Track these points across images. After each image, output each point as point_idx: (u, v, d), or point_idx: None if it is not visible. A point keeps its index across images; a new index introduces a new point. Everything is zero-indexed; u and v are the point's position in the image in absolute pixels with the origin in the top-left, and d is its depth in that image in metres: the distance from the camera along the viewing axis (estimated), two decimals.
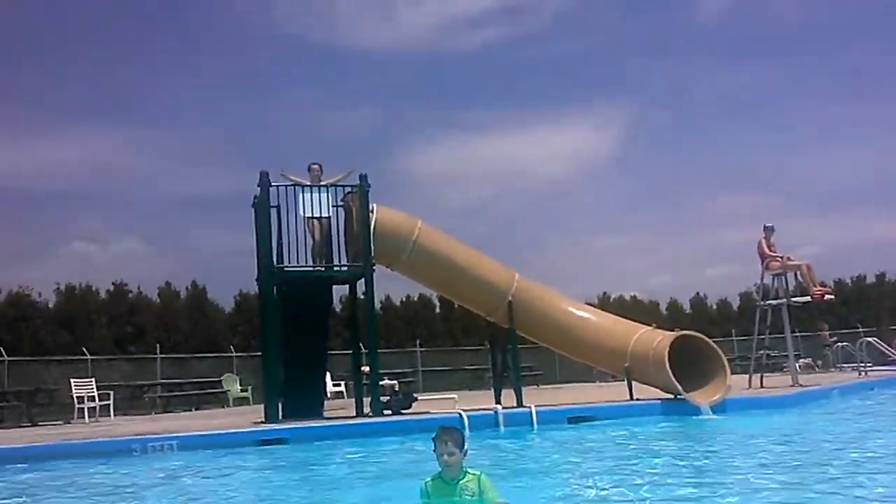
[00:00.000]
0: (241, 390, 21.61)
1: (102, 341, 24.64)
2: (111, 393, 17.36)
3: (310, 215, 11.45)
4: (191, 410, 20.28)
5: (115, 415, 16.97)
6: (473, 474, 4.38)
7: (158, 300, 27.67)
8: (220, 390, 21.84)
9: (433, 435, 4.37)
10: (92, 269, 38.79)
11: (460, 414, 10.23)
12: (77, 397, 16.71)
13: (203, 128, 40.72)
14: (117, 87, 38.50)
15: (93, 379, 17.82)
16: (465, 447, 4.38)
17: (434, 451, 4.35)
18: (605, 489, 5.66)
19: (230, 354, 23.83)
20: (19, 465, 8.40)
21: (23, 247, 36.12)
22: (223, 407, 20.81)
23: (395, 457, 8.44)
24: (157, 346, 22.96)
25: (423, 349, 26.84)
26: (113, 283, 27.17)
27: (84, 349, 21.17)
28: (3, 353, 19.31)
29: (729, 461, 7.11)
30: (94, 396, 16.93)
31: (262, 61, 41.88)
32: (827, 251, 38.48)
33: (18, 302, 24.88)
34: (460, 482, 4.33)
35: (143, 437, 9.60)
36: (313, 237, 11.59)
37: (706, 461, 7.22)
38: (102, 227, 38.80)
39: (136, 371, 22.54)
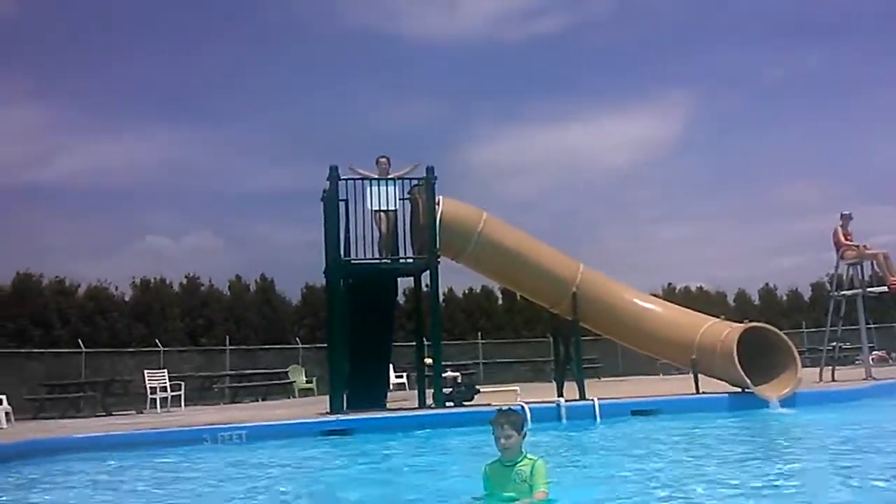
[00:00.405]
0: (307, 381, 22.03)
1: (175, 333, 25.45)
2: (182, 384, 17.90)
3: (377, 208, 11.56)
4: (258, 401, 20.77)
5: (185, 405, 17.48)
6: (530, 459, 4.33)
7: (229, 293, 28.39)
8: (286, 381, 22.30)
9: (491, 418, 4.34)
10: (165, 262, 40.11)
11: (522, 406, 10.19)
12: (150, 388, 17.27)
13: (269, 123, 41.62)
14: (186, 84, 39.63)
15: (165, 370, 18.42)
16: (525, 430, 4.34)
17: (492, 434, 4.32)
18: (669, 484, 5.58)
19: (296, 346, 24.30)
20: (96, 453, 8.71)
21: (99, 242, 37.54)
22: (289, 398, 21.23)
23: (457, 448, 8.49)
24: (227, 337, 23.58)
25: (484, 341, 26.88)
26: (186, 277, 28.03)
27: (157, 341, 21.87)
28: (82, 344, 20.09)
29: (798, 457, 6.93)
30: (166, 387, 17.48)
31: (325, 54, 42.50)
32: None
33: (97, 296, 25.87)
34: (517, 465, 4.30)
35: (213, 427, 9.85)
36: (380, 230, 11.71)
37: (774, 457, 7.04)
38: (175, 223, 40.07)
39: (206, 362, 23.22)
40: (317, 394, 20.70)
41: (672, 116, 43.17)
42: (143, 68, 38.54)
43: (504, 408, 4.46)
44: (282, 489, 6.11)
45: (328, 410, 11.30)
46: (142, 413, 16.47)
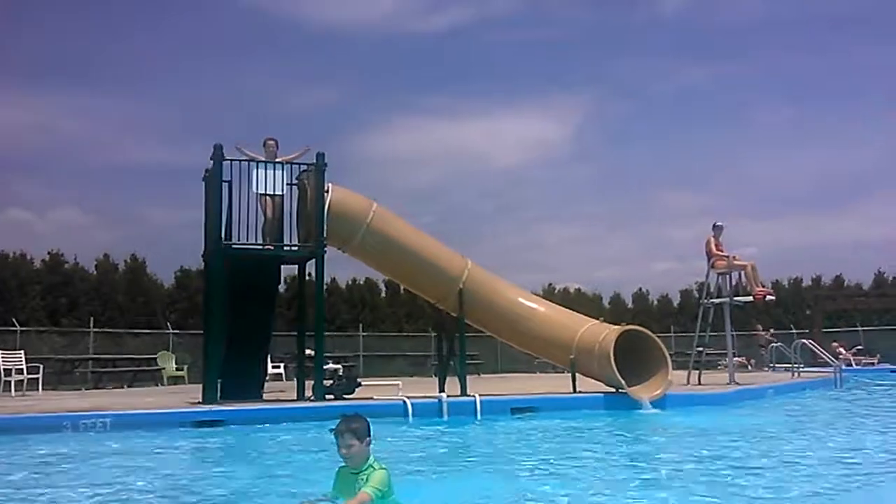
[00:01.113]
0: (177, 369, 21.09)
1: (34, 312, 23.84)
2: (41, 366, 16.75)
3: (263, 192, 11.15)
4: (123, 387, 19.71)
5: (43, 389, 16.38)
6: (374, 467, 4.15)
7: (95, 272, 26.87)
8: (154, 368, 21.28)
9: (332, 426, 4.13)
10: (27, 237, 37.60)
11: (404, 401, 10.14)
12: (4, 370, 16.07)
13: (152, 97, 39.70)
14: (65, 49, 37.29)
15: (22, 351, 17.18)
16: (369, 437, 4.15)
17: (334, 442, 4.13)
18: (544, 479, 5.66)
19: (167, 331, 23.26)
20: None
21: None
22: (157, 385, 20.27)
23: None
24: (91, 319, 22.27)
25: (365, 333, 26.65)
26: (48, 253, 26.30)
27: (14, 320, 20.40)
28: None
29: (665, 456, 7.23)
30: (22, 369, 16.31)
31: (220, 32, 41.04)
32: (764, 252, 39.53)
33: None
34: (361, 473, 4.12)
35: (74, 413, 9.24)
36: (265, 215, 11.31)
37: (644, 455, 7.31)
38: (41, 195, 37.56)
39: (67, 344, 21.86)
40: (187, 382, 19.88)
41: (565, 119, 44.32)
42: (21, 28, 35.96)
43: (348, 414, 4.25)
44: (143, 482, 5.74)
45: (200, 400, 10.84)
46: None
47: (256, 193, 11.17)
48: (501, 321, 12.10)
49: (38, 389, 16.17)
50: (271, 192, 11.22)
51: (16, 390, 15.73)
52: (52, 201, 37.52)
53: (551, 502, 4.86)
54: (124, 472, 6.24)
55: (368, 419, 4.22)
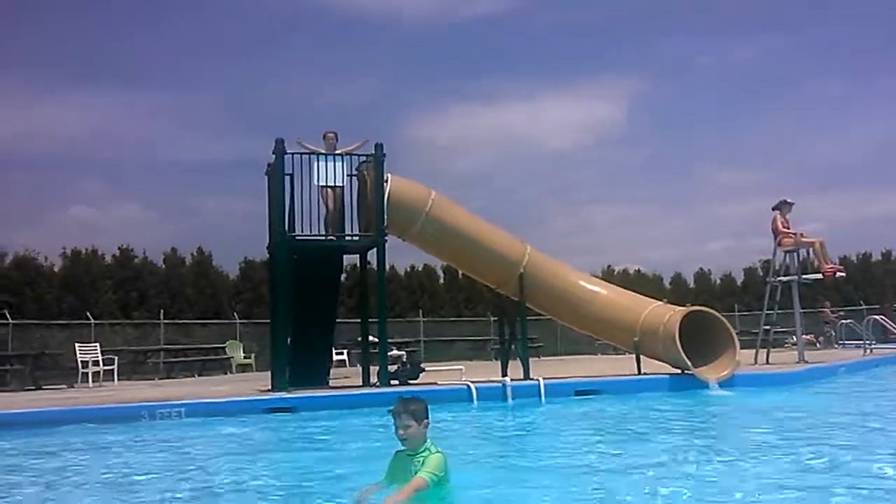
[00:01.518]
0: (244, 357, 21.65)
1: (107, 306, 24.69)
2: (115, 358, 17.38)
3: (324, 184, 11.33)
4: (193, 376, 20.32)
5: (118, 380, 16.99)
6: (431, 451, 4.11)
7: (163, 266, 27.65)
8: (223, 357, 21.88)
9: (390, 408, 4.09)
10: (96, 233, 38.85)
11: (469, 385, 10.22)
12: (81, 362, 16.71)
13: (210, 93, 40.66)
14: (122, 50, 38.30)
15: (97, 343, 17.84)
16: (427, 419, 4.10)
17: (393, 424, 4.12)
18: (613, 463, 5.65)
19: (233, 321, 23.84)
20: (29, 430, 8.38)
21: (27, 211, 36.08)
22: (226, 374, 20.85)
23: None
24: (161, 311, 22.96)
25: (425, 319, 26.86)
26: (119, 248, 27.16)
27: (88, 314, 21.18)
28: (8, 316, 19.30)
29: (737, 437, 7.11)
30: (98, 361, 16.94)
31: (272, 26, 41.59)
32: (831, 228, 38.47)
33: (24, 265, 24.87)
34: (417, 456, 4.10)
35: (151, 403, 9.58)
36: (326, 206, 11.50)
37: (714, 437, 7.22)
38: (106, 192, 38.78)
39: (139, 336, 22.60)
40: (255, 370, 20.39)
41: (614, 101, 43.74)
42: (79, 32, 37.08)
43: (406, 396, 4.23)
44: (226, 467, 5.94)
45: (270, 387, 11.11)
46: (72, 387, 15.94)
47: (318, 185, 11.36)
48: (563, 305, 12.08)
49: (113, 380, 16.79)
50: (332, 184, 11.40)
51: (93, 381, 16.36)
52: (115, 198, 38.68)
53: (621, 486, 4.85)
54: (204, 459, 6.48)
55: (427, 402, 4.20)
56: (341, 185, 11.49)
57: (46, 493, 5.27)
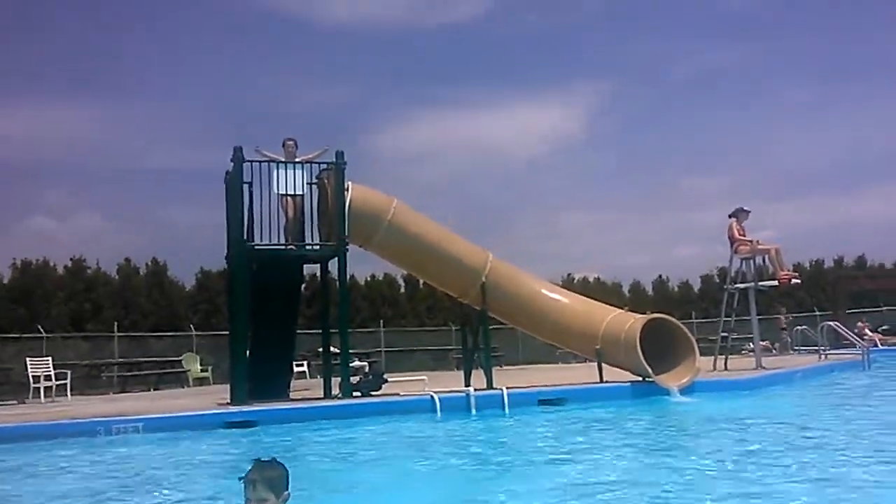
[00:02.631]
0: (202, 370, 21.25)
1: (59, 319, 24.08)
2: (68, 372, 16.92)
3: (283, 192, 11.18)
4: (149, 390, 19.87)
5: (71, 395, 16.55)
6: None
7: (117, 277, 27.10)
8: (179, 370, 21.45)
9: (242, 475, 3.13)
10: (50, 244, 37.98)
11: (432, 396, 10.15)
12: (33, 376, 16.25)
13: (168, 102, 39.96)
14: (81, 58, 37.51)
15: (49, 357, 17.36)
16: (287, 491, 3.15)
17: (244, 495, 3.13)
18: (578, 472, 5.65)
19: (190, 333, 23.41)
20: None
21: None
22: (182, 387, 20.42)
23: (366, 440, 8.31)
24: (115, 324, 22.45)
25: (386, 329, 26.70)
26: (71, 259, 26.56)
27: (39, 327, 20.61)
28: None
29: (698, 443, 7.20)
30: (50, 375, 16.49)
31: (233, 35, 41.12)
32: (784, 234, 39.27)
33: None
34: None
35: (107, 418, 9.32)
36: (286, 215, 11.34)
37: (676, 444, 7.28)
38: (62, 202, 37.92)
39: (92, 349, 22.03)
40: (212, 383, 20.03)
41: (581, 107, 44.17)
42: (39, 38, 36.21)
43: (262, 460, 3.23)
44: (185, 484, 5.79)
45: (229, 401, 10.90)
46: (24, 403, 15.47)
47: (277, 194, 11.20)
48: (525, 313, 12.08)
49: (66, 395, 16.34)
50: (292, 193, 11.25)
51: (45, 396, 15.91)
52: (74, 208, 37.85)
53: (586, 494, 4.83)
54: (163, 476, 6.30)
55: (288, 470, 3.27)
56: (301, 193, 11.35)
57: None
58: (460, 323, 13.57)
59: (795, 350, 21.24)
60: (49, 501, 5.37)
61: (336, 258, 11.44)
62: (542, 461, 6.41)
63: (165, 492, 5.57)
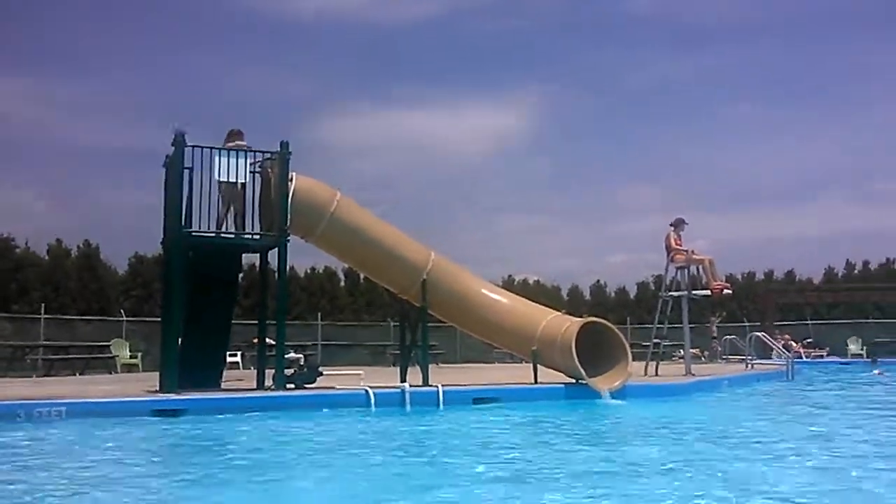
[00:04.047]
0: (131, 356, 20.76)
1: None
2: None
3: (225, 180, 10.96)
4: (75, 375, 19.30)
5: None
6: None
7: (47, 257, 26.25)
8: (107, 355, 20.89)
9: None
10: None
11: (367, 390, 10.11)
12: None
13: (105, 82, 38.87)
14: (17, 30, 36.14)
15: None
16: None
17: None
18: (506, 470, 5.70)
19: (120, 319, 22.84)
20: None
21: None
22: (110, 373, 19.89)
23: (297, 432, 8.22)
24: (42, 305, 21.75)
25: (324, 322, 26.50)
26: None
27: None
28: None
29: (620, 443, 7.38)
30: None
31: (180, 16, 40.21)
32: (717, 247, 40.31)
33: None
34: None
35: (28, 401, 9.01)
36: (227, 203, 11.14)
37: (602, 445, 7.41)
38: None
39: (16, 331, 21.31)
40: (141, 370, 19.58)
41: (523, 111, 44.56)
42: None
43: None
44: (104, 471, 5.63)
45: (157, 388, 10.66)
46: None
47: (218, 181, 10.99)
48: (464, 312, 12.12)
49: None
50: (234, 180, 11.05)
51: None
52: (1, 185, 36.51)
53: (515, 493, 4.88)
54: (81, 462, 6.12)
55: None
56: (244, 181, 11.15)
57: None
58: (399, 319, 13.54)
59: (724, 358, 21.83)
60: None
61: (276, 249, 11.29)
62: (467, 457, 6.44)
63: (84, 475, 5.41)
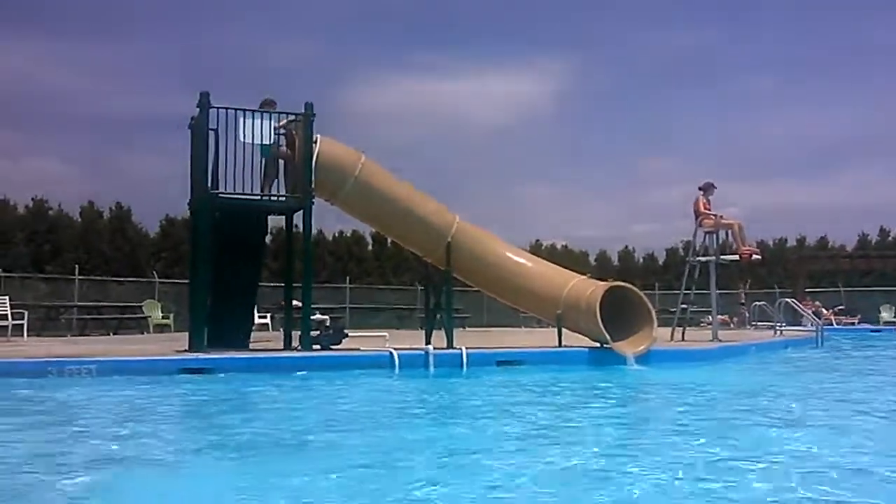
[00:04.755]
0: (163, 317, 21.16)
1: (18, 259, 23.66)
2: (25, 312, 16.71)
3: (249, 141, 10.99)
4: (109, 335, 19.72)
5: (28, 336, 16.35)
6: None
7: (80, 220, 26.65)
8: (140, 316, 21.31)
9: None
10: (6, 184, 37.11)
11: (391, 352, 10.18)
12: None
13: (136, 46, 39.01)
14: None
15: (6, 297, 17.11)
16: None
17: None
18: (526, 430, 5.72)
19: (152, 280, 23.22)
20: None
21: None
22: (142, 333, 20.32)
23: (321, 392, 8.33)
24: (76, 266, 22.16)
25: (352, 286, 26.70)
26: (32, 199, 26.02)
27: None
28: None
29: (640, 407, 7.34)
30: (6, 315, 16.27)
31: None
32: (748, 214, 39.73)
33: None
34: None
35: (59, 359, 9.21)
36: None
37: (624, 409, 7.40)
38: (19, 143, 37.00)
39: (52, 291, 21.78)
40: (173, 331, 19.94)
41: (549, 81, 43.99)
42: None
43: None
44: (124, 427, 5.74)
45: (186, 348, 10.84)
46: None
47: (243, 142, 11.02)
48: (488, 275, 12.11)
49: (22, 335, 16.15)
50: (259, 142, 11.07)
51: (0, 336, 15.70)
52: (31, 150, 36.97)
53: (525, 453, 4.89)
54: (103, 416, 6.26)
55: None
56: (268, 143, 11.18)
57: None
58: (423, 282, 13.57)
59: (753, 325, 21.64)
60: None
61: (301, 211, 11.34)
62: (490, 417, 6.48)
63: (110, 431, 5.53)
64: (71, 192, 36.22)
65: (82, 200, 27.17)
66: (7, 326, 16.09)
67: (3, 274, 19.84)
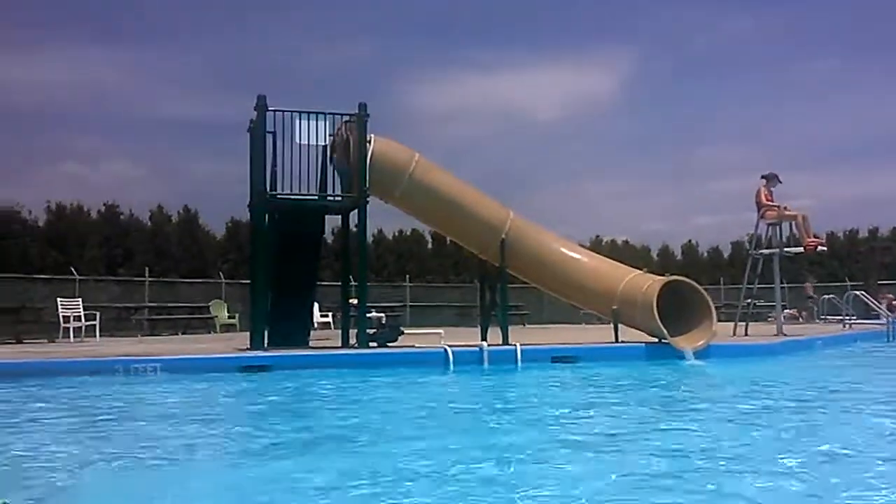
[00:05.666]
0: (229, 317, 21.68)
1: (91, 262, 24.56)
2: (98, 314, 17.35)
3: (305, 142, 11.23)
4: (177, 334, 20.33)
5: (101, 336, 16.98)
6: None
7: (150, 223, 27.50)
8: (207, 316, 21.90)
9: None
10: (82, 189, 38.58)
11: (445, 349, 10.25)
12: (63, 317, 16.69)
13: (200, 51, 39.98)
14: (116, 4, 37.58)
15: (80, 299, 17.80)
16: None
17: None
18: (579, 426, 5.69)
19: (219, 281, 23.82)
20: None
21: (10, 164, 35.67)
22: (210, 333, 20.87)
23: (376, 389, 8.44)
24: (146, 269, 22.90)
25: (412, 284, 26.89)
26: (104, 204, 26.94)
27: (72, 269, 21.09)
28: None
29: (702, 406, 7.13)
30: (80, 316, 16.92)
31: None
32: (820, 204, 38.50)
33: (7, 219, 24.65)
34: None
35: (126, 358, 9.58)
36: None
37: (682, 405, 7.26)
38: (95, 148, 38.38)
39: (123, 293, 22.54)
40: (239, 330, 20.41)
41: (609, 73, 43.40)
42: None
43: None
44: (189, 425, 5.94)
45: (248, 346, 11.11)
46: (53, 342, 15.93)
47: (299, 144, 11.25)
48: (543, 271, 12.06)
49: (95, 336, 16.78)
50: (314, 143, 11.29)
51: (74, 336, 16.35)
52: (105, 155, 38.26)
53: (587, 450, 4.86)
54: (163, 411, 6.48)
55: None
56: (324, 144, 11.39)
57: None
58: (479, 279, 13.60)
59: (822, 319, 20.98)
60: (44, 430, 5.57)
61: (357, 210, 11.50)
62: (541, 413, 6.47)
63: (167, 426, 5.73)
64: (140, 195, 37.30)
65: (151, 204, 28.03)
66: (81, 327, 16.74)
67: (77, 276, 20.63)
